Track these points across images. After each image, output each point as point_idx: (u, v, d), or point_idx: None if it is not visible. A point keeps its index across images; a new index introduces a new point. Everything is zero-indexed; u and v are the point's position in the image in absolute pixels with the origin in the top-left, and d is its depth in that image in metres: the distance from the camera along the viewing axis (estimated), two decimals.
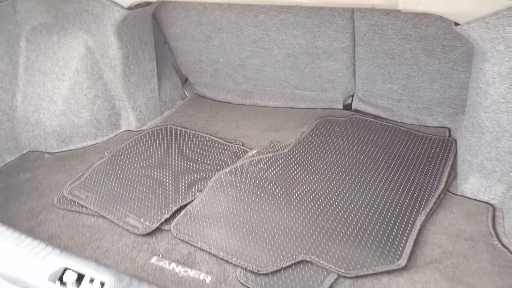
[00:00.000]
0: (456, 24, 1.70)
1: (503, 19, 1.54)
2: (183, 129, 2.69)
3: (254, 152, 2.39)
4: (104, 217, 2.00)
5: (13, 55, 2.43)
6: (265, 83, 2.86)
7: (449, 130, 2.44)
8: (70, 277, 1.23)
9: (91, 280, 1.22)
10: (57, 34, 2.48)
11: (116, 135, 2.71)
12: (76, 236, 1.91)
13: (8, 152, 2.48)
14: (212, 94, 3.11)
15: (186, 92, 3.15)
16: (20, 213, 2.07)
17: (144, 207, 2.03)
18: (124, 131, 2.75)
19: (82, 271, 1.22)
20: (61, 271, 1.24)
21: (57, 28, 2.48)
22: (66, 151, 2.57)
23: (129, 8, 2.37)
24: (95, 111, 2.62)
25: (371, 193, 1.99)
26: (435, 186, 2.00)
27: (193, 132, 2.65)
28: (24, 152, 2.56)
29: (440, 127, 2.48)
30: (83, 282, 1.21)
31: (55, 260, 1.27)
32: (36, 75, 2.49)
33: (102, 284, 1.19)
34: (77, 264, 1.25)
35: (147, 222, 1.93)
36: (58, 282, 1.23)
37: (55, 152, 2.56)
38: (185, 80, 3.21)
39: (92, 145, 2.62)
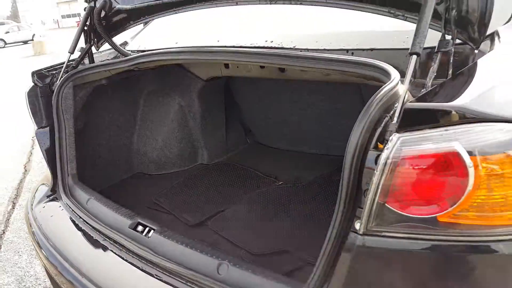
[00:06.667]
0: None
1: None
2: (240, 165, 3.72)
3: (280, 182, 3.31)
4: (174, 216, 3.06)
5: (135, 109, 3.71)
6: (303, 134, 3.79)
7: None
8: (141, 228, 2.27)
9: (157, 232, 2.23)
10: (162, 97, 3.75)
11: (193, 166, 3.84)
12: None
13: (124, 172, 3.73)
14: (267, 142, 4.12)
15: (248, 139, 4.21)
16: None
17: (197, 210, 3.06)
18: (199, 163, 3.87)
19: (150, 225, 2.24)
20: (135, 223, 2.28)
21: (162, 92, 3.75)
22: (159, 174, 3.76)
23: (207, 80, 3.56)
24: (181, 148, 3.80)
25: None
26: None
27: (246, 167, 3.67)
28: (134, 173, 3.80)
29: None
30: (152, 232, 2.23)
31: (131, 216, 2.33)
32: (147, 122, 3.76)
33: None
34: (146, 220, 2.28)
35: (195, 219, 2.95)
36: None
37: (153, 174, 3.76)
38: (249, 131, 4.28)
39: (177, 171, 3.78)
